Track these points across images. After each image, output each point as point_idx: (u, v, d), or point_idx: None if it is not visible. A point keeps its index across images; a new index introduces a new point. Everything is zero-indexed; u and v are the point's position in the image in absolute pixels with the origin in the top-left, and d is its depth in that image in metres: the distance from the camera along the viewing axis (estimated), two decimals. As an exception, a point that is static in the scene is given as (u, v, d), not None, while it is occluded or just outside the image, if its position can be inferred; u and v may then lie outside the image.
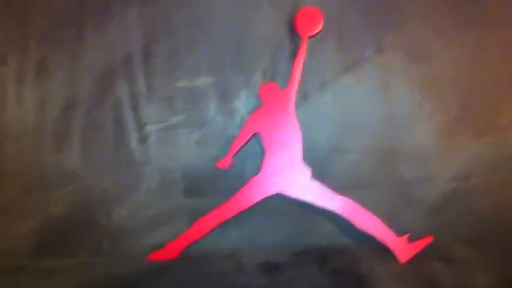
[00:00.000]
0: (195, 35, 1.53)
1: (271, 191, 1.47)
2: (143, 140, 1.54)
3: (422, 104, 1.56)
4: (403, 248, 1.45)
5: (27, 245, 1.56)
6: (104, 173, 1.55)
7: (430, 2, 1.54)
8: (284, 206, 1.56)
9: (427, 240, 1.46)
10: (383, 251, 1.46)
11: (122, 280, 1.36)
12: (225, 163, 1.49)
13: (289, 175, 1.46)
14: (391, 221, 1.46)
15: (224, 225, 1.49)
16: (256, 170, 1.48)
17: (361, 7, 1.54)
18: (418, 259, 1.44)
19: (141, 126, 1.54)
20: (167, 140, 1.54)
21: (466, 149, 1.59)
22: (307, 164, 1.46)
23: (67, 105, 1.52)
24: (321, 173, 1.47)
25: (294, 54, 1.48)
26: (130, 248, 1.57)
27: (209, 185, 1.56)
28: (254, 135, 1.49)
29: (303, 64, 1.45)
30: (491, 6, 1.55)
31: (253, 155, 1.52)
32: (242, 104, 1.54)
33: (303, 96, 1.53)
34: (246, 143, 1.49)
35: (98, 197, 1.55)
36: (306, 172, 1.45)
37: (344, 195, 1.45)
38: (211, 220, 1.48)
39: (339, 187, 1.46)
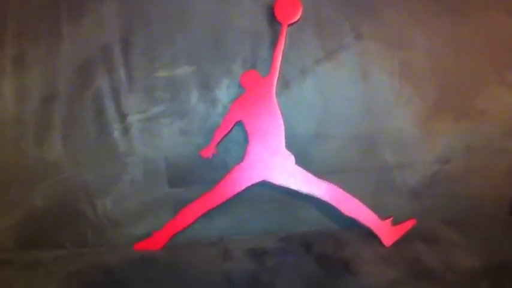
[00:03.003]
0: (173, 24, 1.53)
1: (255, 178, 1.47)
2: (125, 130, 1.53)
3: (402, 90, 1.59)
4: (387, 232, 1.47)
5: (11, 238, 1.54)
6: (87, 164, 1.53)
7: (407, -11, 1.57)
8: (269, 193, 1.56)
9: (411, 223, 1.47)
10: (368, 235, 1.48)
11: (110, 269, 1.35)
12: (208, 152, 1.49)
13: (273, 162, 1.46)
14: (374, 205, 1.47)
15: (210, 213, 1.49)
16: (240, 158, 1.48)
17: (339, -2, 1.56)
18: (402, 242, 1.46)
19: (122, 116, 1.53)
20: (149, 129, 1.54)
21: (445, 133, 1.62)
22: (290, 151, 1.47)
23: (47, 97, 1.50)
24: (302, 159, 1.48)
25: (273, 42, 1.49)
26: (115, 239, 1.56)
27: (193, 174, 1.56)
28: (237, 123, 1.49)
29: (283, 52, 1.46)
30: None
31: (237, 144, 1.52)
32: (223, 92, 1.54)
33: (284, 83, 1.54)
34: (229, 131, 1.49)
35: (82, 189, 1.53)
36: (290, 159, 1.46)
37: (328, 180, 1.46)
38: (196, 208, 1.47)
39: (321, 173, 1.47)
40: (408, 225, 1.47)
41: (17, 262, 1.43)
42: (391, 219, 1.47)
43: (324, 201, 1.46)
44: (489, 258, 1.36)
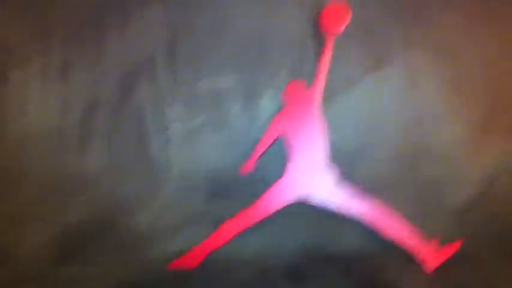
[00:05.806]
0: (219, 33, 1.49)
1: (295, 196, 1.41)
2: (166, 141, 1.52)
3: (451, 101, 1.53)
4: (431, 255, 1.40)
5: (47, 252, 1.51)
6: (126, 175, 1.52)
7: (459, -2, 1.49)
8: (308, 211, 1.49)
9: (455, 246, 1.41)
10: (410, 258, 1.42)
11: (143, 288, 1.34)
12: (247, 167, 1.45)
13: (314, 180, 1.40)
14: (418, 222, 1.41)
15: (246, 231, 1.44)
16: (280, 174, 1.42)
17: (389, 3, 1.50)
18: (446, 266, 1.39)
19: (164, 127, 1.52)
20: (190, 141, 1.52)
21: (496, 148, 1.55)
22: (333, 165, 1.41)
23: (90, 106, 1.51)
24: (347, 174, 1.42)
25: (319, 52, 1.41)
26: (151, 255, 1.51)
27: (232, 189, 1.53)
28: (278, 137, 1.43)
29: (329, 62, 1.39)
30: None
31: (277, 159, 1.46)
32: (267, 103, 1.51)
33: (329, 95, 1.45)
34: (270, 145, 1.44)
35: (119, 202, 1.52)
36: (331, 175, 1.40)
37: (371, 197, 1.39)
38: (234, 226, 1.43)
39: (366, 188, 1.41)
40: (453, 248, 1.41)
41: (53, 278, 1.41)
42: (436, 241, 1.41)
43: (364, 220, 1.41)
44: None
